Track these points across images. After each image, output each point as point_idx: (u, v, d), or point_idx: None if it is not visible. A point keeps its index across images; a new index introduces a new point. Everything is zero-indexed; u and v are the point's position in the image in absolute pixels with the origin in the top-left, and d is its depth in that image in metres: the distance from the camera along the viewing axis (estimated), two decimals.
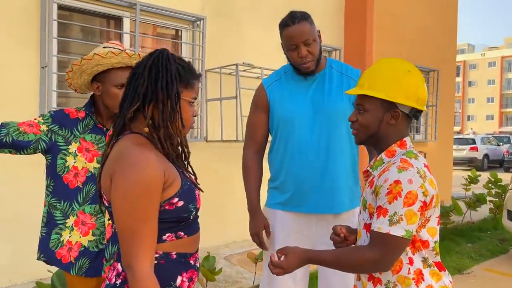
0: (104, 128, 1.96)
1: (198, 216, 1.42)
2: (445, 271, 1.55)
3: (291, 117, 2.11)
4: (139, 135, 1.30)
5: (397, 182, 1.41)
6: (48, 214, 1.96)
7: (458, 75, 68.20)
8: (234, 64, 4.24)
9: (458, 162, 18.51)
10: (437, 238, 1.52)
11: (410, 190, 1.40)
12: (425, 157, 6.48)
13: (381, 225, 1.41)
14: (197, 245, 1.39)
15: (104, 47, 1.92)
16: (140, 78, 1.30)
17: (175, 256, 1.29)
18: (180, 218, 1.28)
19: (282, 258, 1.54)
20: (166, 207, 1.25)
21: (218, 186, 4.43)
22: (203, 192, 1.42)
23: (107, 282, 1.33)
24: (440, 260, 1.55)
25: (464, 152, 18.66)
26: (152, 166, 1.21)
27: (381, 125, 1.53)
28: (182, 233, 1.31)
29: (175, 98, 1.30)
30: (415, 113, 1.56)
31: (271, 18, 5.08)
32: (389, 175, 1.43)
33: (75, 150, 1.91)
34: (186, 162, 1.46)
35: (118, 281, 1.28)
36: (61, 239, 1.93)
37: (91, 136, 1.93)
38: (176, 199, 1.26)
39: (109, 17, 4.02)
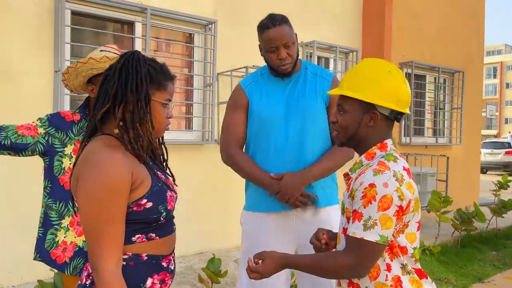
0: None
1: (172, 218, 1.41)
2: (427, 278, 1.49)
3: (267, 118, 2.15)
4: (109, 136, 1.30)
5: (372, 185, 1.37)
6: (44, 215, 2.01)
7: (494, 76, 65.82)
8: (245, 67, 4.25)
9: (492, 167, 17.85)
10: (416, 244, 1.46)
11: (385, 194, 1.35)
12: (447, 161, 6.32)
13: (355, 229, 1.38)
14: (171, 247, 1.38)
15: (100, 51, 1.96)
16: (111, 80, 1.31)
17: (145, 258, 1.29)
18: (149, 220, 1.28)
19: (260, 263, 1.53)
20: (134, 208, 1.25)
21: (229, 188, 4.43)
22: (176, 193, 1.41)
23: (79, 282, 1.34)
24: (421, 267, 1.49)
25: (499, 156, 18.00)
26: (117, 167, 1.21)
27: (360, 127, 1.49)
28: (153, 235, 1.30)
29: (145, 100, 1.30)
30: (396, 115, 1.51)
31: None
32: (365, 178, 1.40)
33: (71, 152, 1.96)
34: (164, 164, 1.46)
35: (88, 282, 1.29)
36: (56, 240, 1.97)
37: None
38: (144, 200, 1.26)
39: (122, 22, 4.10)
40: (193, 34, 4.49)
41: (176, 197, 1.41)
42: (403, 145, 6.49)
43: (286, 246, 2.15)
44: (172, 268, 1.38)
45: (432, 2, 6.78)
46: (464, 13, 7.33)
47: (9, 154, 1.94)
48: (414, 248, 1.46)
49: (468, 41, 7.45)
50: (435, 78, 7.09)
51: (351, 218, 1.41)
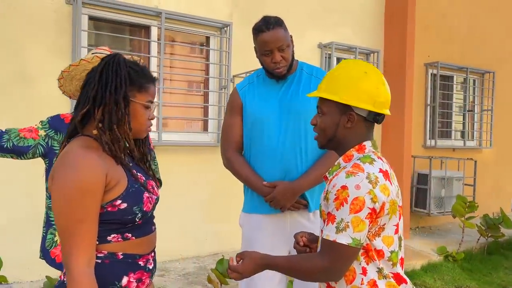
0: None
1: (151, 219, 1.44)
2: (406, 283, 1.45)
3: (260, 119, 2.16)
4: (88, 137, 1.34)
5: (344, 187, 1.35)
6: (46, 215, 2.09)
7: None
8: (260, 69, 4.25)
9: None
10: (394, 247, 1.43)
11: (357, 196, 1.33)
12: (475, 165, 6.07)
13: (329, 232, 1.37)
14: (149, 247, 1.40)
15: (92, 53, 2.02)
16: (91, 82, 1.35)
17: (121, 257, 1.32)
18: (124, 220, 1.30)
19: (240, 262, 1.54)
20: (109, 209, 1.28)
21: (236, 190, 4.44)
22: (156, 195, 1.43)
23: (59, 278, 1.39)
24: (399, 272, 1.45)
25: None
26: (90, 168, 1.23)
27: (338, 129, 1.48)
28: (130, 235, 1.33)
29: (124, 101, 1.33)
30: (375, 117, 1.48)
31: (301, 22, 5.05)
32: (337, 181, 1.38)
33: None
34: (147, 165, 1.49)
35: (65, 279, 1.34)
36: (55, 239, 2.04)
37: None
38: (119, 201, 1.28)
39: (138, 26, 4.20)
40: (209, 37, 4.54)
41: (157, 198, 1.43)
42: (428, 148, 6.31)
43: (280, 248, 2.16)
44: (151, 267, 1.40)
45: (462, 0, 6.57)
46: (496, 12, 7.05)
47: (11, 157, 2.01)
48: (392, 252, 1.42)
49: (500, 40, 7.15)
50: (464, 79, 6.85)
51: (326, 220, 1.40)
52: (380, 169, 1.42)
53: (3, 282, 2.93)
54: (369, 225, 1.36)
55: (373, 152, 1.49)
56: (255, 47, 2.18)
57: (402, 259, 1.54)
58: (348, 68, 1.50)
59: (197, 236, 4.44)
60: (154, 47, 4.15)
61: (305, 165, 2.15)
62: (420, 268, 4.64)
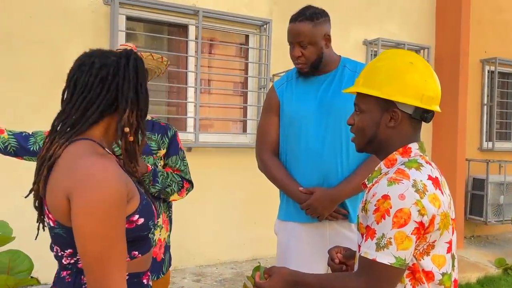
0: None
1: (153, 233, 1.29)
2: None
3: (297, 119, 2.00)
4: (91, 141, 1.14)
5: (385, 197, 1.15)
6: None
7: None
8: None
9: None
10: (446, 269, 1.21)
11: (401, 207, 1.13)
12: None
13: (368, 249, 1.17)
14: (149, 263, 1.26)
15: (116, 49, 1.95)
16: (119, 78, 1.16)
17: (127, 277, 1.14)
18: (139, 237, 1.15)
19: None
20: (126, 226, 1.09)
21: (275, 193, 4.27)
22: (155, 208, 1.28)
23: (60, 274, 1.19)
24: None
25: None
26: (117, 180, 1.04)
27: (379, 128, 1.28)
28: (137, 253, 1.18)
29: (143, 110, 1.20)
30: (423, 114, 1.27)
31: (345, 18, 4.80)
32: (378, 189, 1.18)
33: None
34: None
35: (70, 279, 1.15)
36: None
37: None
38: (136, 216, 1.12)
39: (176, 25, 4.14)
40: (248, 35, 4.41)
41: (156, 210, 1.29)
42: (485, 151, 5.85)
43: (318, 260, 1.98)
44: (150, 283, 1.26)
45: None
46: None
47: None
48: (443, 274, 1.21)
49: None
50: None
51: (365, 235, 1.20)
52: (429, 175, 1.21)
53: (34, 285, 2.92)
54: (416, 242, 1.15)
55: (421, 155, 1.27)
56: None
57: (455, 281, 1.32)
58: (391, 58, 1.30)
59: (235, 240, 4.31)
60: (191, 46, 4.07)
61: (347, 170, 1.96)
62: (476, 282, 4.26)
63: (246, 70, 4.47)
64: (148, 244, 1.23)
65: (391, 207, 1.14)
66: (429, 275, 1.19)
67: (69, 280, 1.14)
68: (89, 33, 3.64)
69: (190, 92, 4.08)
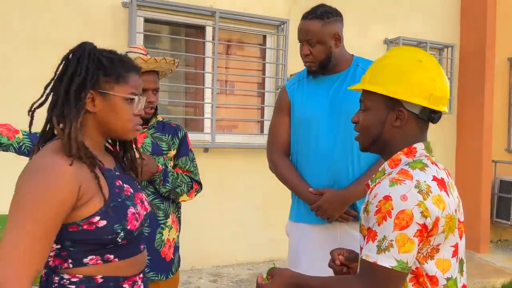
0: None
1: (139, 237, 1.24)
2: None
3: (308, 119, 1.97)
4: (54, 144, 1.14)
5: (387, 198, 1.11)
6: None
7: None
8: None
9: None
10: (451, 273, 1.16)
11: (403, 209, 1.09)
12: None
13: (369, 252, 1.13)
14: (137, 269, 1.22)
15: (126, 52, 1.97)
16: (54, 76, 1.19)
17: (100, 280, 1.13)
18: (103, 241, 1.11)
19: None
20: (85, 227, 1.09)
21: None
22: (146, 210, 1.25)
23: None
24: None
25: None
26: (56, 174, 1.05)
27: (385, 128, 1.23)
28: (111, 256, 1.14)
29: (74, 95, 1.13)
30: (430, 114, 1.22)
31: (365, 16, 4.73)
32: (380, 189, 1.14)
33: None
34: (135, 173, 1.33)
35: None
36: (163, 238, 2.01)
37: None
38: (97, 218, 1.10)
39: (193, 26, 4.17)
40: (266, 35, 4.39)
41: (146, 214, 1.24)
42: None
43: (329, 259, 1.95)
44: None
45: None
46: None
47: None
48: (448, 279, 1.16)
49: None
50: None
51: (366, 237, 1.17)
52: (434, 176, 1.16)
53: None
54: (418, 245, 1.11)
55: (426, 156, 1.23)
56: None
57: (464, 286, 1.27)
58: (399, 55, 1.26)
59: (252, 241, 4.30)
60: (208, 47, 4.09)
61: (357, 171, 1.93)
62: (501, 287, 4.12)
63: (263, 70, 4.46)
64: (130, 249, 1.19)
65: (392, 209, 1.10)
66: (433, 280, 1.15)
67: (44, 278, 1.15)
68: (109, 36, 3.70)
69: (207, 93, 4.10)
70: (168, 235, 2.02)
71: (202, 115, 4.15)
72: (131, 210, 1.17)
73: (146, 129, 2.00)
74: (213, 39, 4.01)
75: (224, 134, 4.26)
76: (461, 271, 1.26)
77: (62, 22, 3.54)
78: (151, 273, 1.94)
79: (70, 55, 1.19)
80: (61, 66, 1.18)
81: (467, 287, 1.30)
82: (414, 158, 1.22)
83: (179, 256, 2.13)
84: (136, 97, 1.21)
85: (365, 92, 1.28)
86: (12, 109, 3.46)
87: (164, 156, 2.01)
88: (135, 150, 1.35)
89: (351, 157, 1.93)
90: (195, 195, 2.13)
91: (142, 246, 1.26)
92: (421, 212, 1.09)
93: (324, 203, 1.90)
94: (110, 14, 3.70)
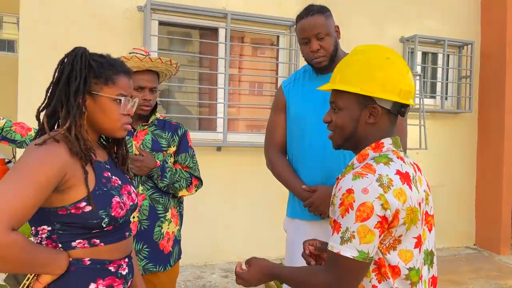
0: (132, 129, 2.07)
1: (124, 224, 1.34)
2: None
3: (301, 117, 2.01)
4: (56, 133, 1.26)
5: (349, 191, 1.16)
6: (150, 208, 2.17)
7: None
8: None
9: None
10: (413, 264, 1.20)
11: (364, 201, 1.14)
12: None
13: (333, 242, 1.19)
14: (122, 253, 1.32)
15: (130, 53, 2.07)
16: (53, 80, 1.30)
17: (88, 263, 1.24)
18: (88, 225, 1.22)
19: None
20: (72, 211, 1.20)
21: None
22: (133, 201, 1.35)
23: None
24: None
25: None
26: (54, 155, 1.16)
27: (359, 125, 1.29)
28: (98, 241, 1.25)
29: (75, 97, 1.24)
30: (400, 109, 1.27)
31: (380, 15, 4.72)
32: (343, 183, 1.20)
33: None
34: (125, 168, 1.43)
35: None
36: (162, 231, 2.10)
37: None
38: (83, 204, 1.20)
39: (206, 28, 4.27)
40: (279, 36, 4.45)
41: (133, 205, 1.34)
42: None
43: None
44: (124, 272, 1.32)
45: None
46: None
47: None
48: (410, 269, 1.20)
49: None
50: None
51: (332, 228, 1.22)
52: (398, 170, 1.20)
53: None
54: (380, 236, 1.15)
55: (393, 151, 1.27)
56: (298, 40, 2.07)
57: (434, 278, 1.30)
58: (367, 54, 1.30)
59: (264, 239, 4.36)
60: (221, 48, 4.18)
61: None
62: None
63: (276, 70, 4.52)
64: (116, 235, 1.29)
65: (354, 201, 1.14)
66: (395, 270, 1.19)
67: None
68: (125, 39, 3.85)
69: (220, 93, 4.19)
70: (168, 228, 2.10)
71: (215, 115, 4.25)
72: (116, 199, 1.27)
73: (146, 126, 2.09)
74: (226, 41, 4.10)
75: (236, 133, 4.35)
76: (430, 263, 1.29)
77: (80, 27, 3.72)
78: (150, 264, 2.04)
79: (65, 59, 1.30)
80: (57, 71, 1.30)
81: (437, 279, 1.33)
82: (380, 153, 1.26)
83: (179, 248, 2.21)
84: (123, 98, 1.31)
85: (336, 92, 1.32)
86: (35, 109, 3.65)
87: (164, 152, 2.09)
88: (125, 147, 1.46)
89: (343, 154, 1.96)
90: (196, 191, 2.21)
91: (127, 233, 1.36)
92: (381, 205, 1.13)
93: (316, 199, 1.94)
94: (126, 17, 3.85)
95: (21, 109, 3.56)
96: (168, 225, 2.11)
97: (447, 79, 5.18)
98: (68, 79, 1.25)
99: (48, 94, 1.29)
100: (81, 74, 1.25)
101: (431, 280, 1.29)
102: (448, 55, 5.13)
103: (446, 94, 5.16)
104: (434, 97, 5.21)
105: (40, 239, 1.23)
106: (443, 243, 5.16)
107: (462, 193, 5.24)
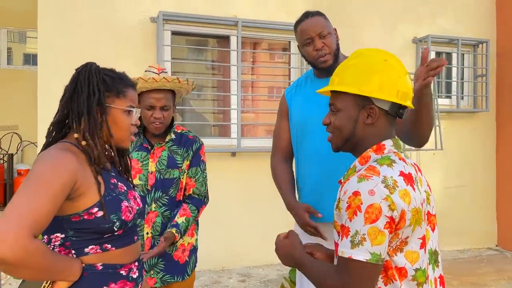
0: (149, 147, 2.11)
1: (133, 228, 1.39)
2: None
3: (303, 121, 2.04)
4: (67, 143, 1.32)
5: (356, 193, 1.18)
6: (162, 224, 2.18)
7: None
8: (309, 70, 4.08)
9: None
10: (420, 264, 1.21)
11: (372, 203, 1.15)
12: None
13: (344, 248, 1.19)
14: (133, 257, 1.37)
15: (145, 71, 2.11)
16: (66, 92, 1.36)
17: (100, 267, 1.28)
18: (101, 229, 1.27)
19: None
20: (85, 217, 1.24)
21: None
22: (139, 206, 1.40)
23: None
24: None
25: None
26: (61, 164, 1.20)
27: (357, 126, 1.31)
28: (109, 246, 1.30)
29: (99, 109, 1.32)
30: (398, 110, 1.29)
31: (392, 16, 4.71)
32: (349, 186, 1.21)
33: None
34: (126, 175, 1.48)
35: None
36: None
37: (137, 154, 2.10)
38: (95, 209, 1.25)
39: (218, 37, 4.34)
40: (290, 41, 4.48)
41: (139, 209, 1.39)
42: None
43: None
44: (135, 276, 1.36)
45: None
46: None
47: None
48: (417, 270, 1.21)
49: None
50: None
51: (340, 234, 1.23)
52: (401, 171, 1.22)
53: None
54: (389, 237, 1.16)
55: (394, 152, 1.28)
56: (297, 45, 2.09)
57: (441, 276, 1.31)
58: (365, 56, 1.33)
59: None
60: (233, 55, 4.23)
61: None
62: None
63: (289, 75, 4.55)
64: (126, 239, 1.34)
65: (362, 203, 1.15)
66: (402, 272, 1.19)
67: None
68: (139, 50, 3.94)
69: (234, 100, 4.24)
70: (183, 240, 2.14)
71: (229, 121, 4.30)
72: (125, 203, 1.33)
73: (164, 143, 2.11)
74: (237, 48, 4.16)
75: (250, 138, 4.39)
76: (435, 262, 1.29)
77: (95, 39, 3.83)
78: (167, 276, 2.08)
79: (79, 75, 1.35)
80: (72, 85, 1.35)
81: (443, 278, 1.33)
82: (382, 155, 1.27)
83: (195, 257, 2.24)
84: (134, 109, 1.39)
85: (335, 94, 1.34)
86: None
87: (179, 168, 2.12)
88: (128, 156, 1.51)
89: (343, 159, 1.96)
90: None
91: (135, 237, 1.41)
92: (388, 206, 1.14)
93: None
94: (139, 29, 3.95)
95: (41, 119, 3.66)
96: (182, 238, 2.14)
97: (462, 79, 5.12)
98: (88, 93, 1.32)
99: (62, 107, 1.35)
100: (99, 88, 1.32)
101: (438, 279, 1.30)
102: (462, 54, 5.07)
103: (462, 93, 5.11)
104: (450, 97, 5.15)
105: (52, 246, 1.27)
106: (464, 245, 5.09)
107: (482, 193, 5.16)
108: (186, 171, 2.15)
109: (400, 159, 1.26)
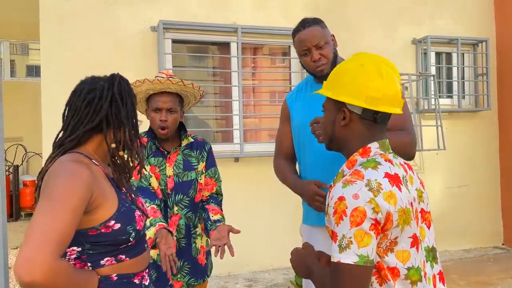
0: (165, 151, 2.15)
1: (143, 237, 1.42)
2: None
3: (303, 125, 2.06)
4: (78, 154, 1.31)
5: (341, 198, 1.20)
6: (186, 226, 2.24)
7: None
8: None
9: None
10: (412, 263, 1.23)
11: (356, 206, 1.18)
12: None
13: (333, 252, 1.21)
14: (144, 265, 1.39)
15: (156, 76, 2.14)
16: (100, 100, 1.31)
17: (115, 278, 1.29)
18: (118, 241, 1.28)
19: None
20: (103, 230, 1.25)
21: None
22: (145, 214, 1.42)
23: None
24: None
25: None
26: (76, 177, 1.19)
27: (335, 127, 1.37)
28: (123, 256, 1.31)
29: (135, 127, 1.37)
30: (373, 115, 1.30)
31: (391, 18, 4.75)
32: (335, 192, 1.24)
33: (149, 171, 2.12)
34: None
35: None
36: (197, 247, 2.20)
37: (154, 160, 2.13)
38: (112, 222, 1.26)
39: (219, 44, 4.38)
40: (290, 46, 4.52)
41: (146, 216, 1.41)
42: None
43: None
44: (147, 283, 1.38)
45: None
46: None
47: None
48: (409, 268, 1.22)
49: None
50: None
51: (332, 239, 1.25)
52: (386, 173, 1.24)
53: None
54: (376, 238, 1.18)
55: (381, 154, 1.30)
56: (297, 52, 2.12)
57: (441, 273, 1.33)
58: (347, 61, 1.38)
59: (287, 247, 4.35)
60: (234, 62, 4.28)
61: None
62: None
63: (290, 79, 4.58)
64: (138, 249, 1.36)
65: (346, 207, 1.17)
66: (394, 271, 1.21)
67: None
68: (139, 58, 3.99)
69: (235, 105, 4.28)
70: (201, 242, 2.21)
71: (231, 127, 4.33)
72: (137, 212, 1.35)
73: (178, 148, 2.17)
74: (237, 54, 4.20)
75: (252, 143, 4.42)
76: (433, 258, 1.31)
77: (97, 49, 3.88)
78: (192, 279, 2.15)
79: (105, 85, 1.35)
80: (99, 95, 1.33)
81: (443, 274, 1.35)
82: (368, 158, 1.30)
83: (211, 260, 2.30)
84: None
85: (326, 97, 1.40)
86: (57, 130, 3.81)
87: (195, 170, 2.19)
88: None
89: (345, 159, 1.99)
90: None
91: (145, 245, 1.43)
92: (372, 208, 1.16)
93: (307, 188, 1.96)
94: (140, 38, 4.00)
95: (46, 129, 3.71)
96: (201, 239, 2.21)
97: (463, 78, 5.13)
98: (132, 104, 1.36)
99: (91, 116, 1.32)
100: (132, 98, 1.37)
101: (437, 276, 1.31)
102: (462, 54, 5.09)
103: (463, 93, 5.11)
104: (451, 97, 5.16)
105: (68, 259, 1.27)
106: (470, 244, 5.07)
107: (486, 192, 5.15)
108: (202, 172, 2.22)
109: (386, 160, 1.28)
